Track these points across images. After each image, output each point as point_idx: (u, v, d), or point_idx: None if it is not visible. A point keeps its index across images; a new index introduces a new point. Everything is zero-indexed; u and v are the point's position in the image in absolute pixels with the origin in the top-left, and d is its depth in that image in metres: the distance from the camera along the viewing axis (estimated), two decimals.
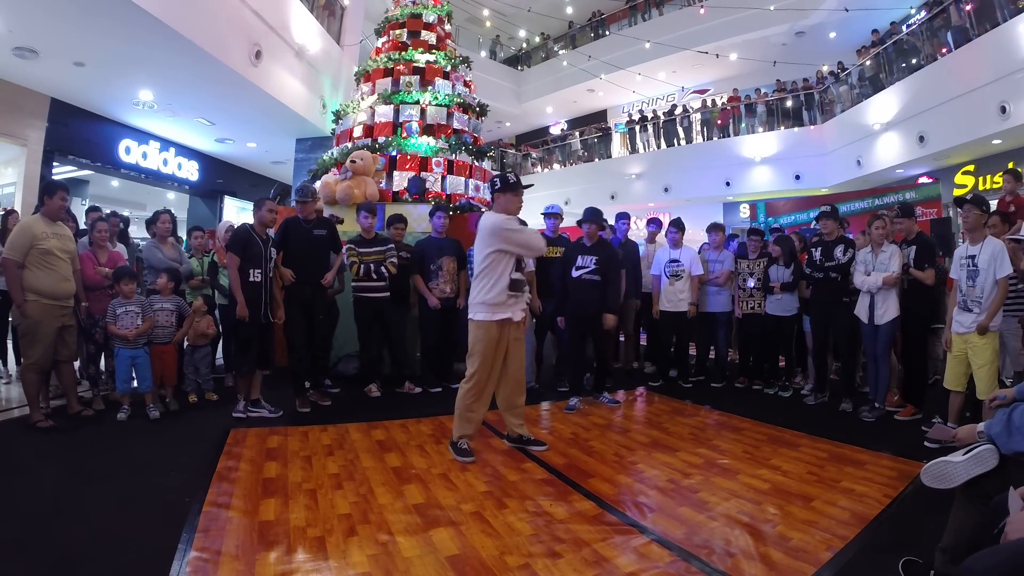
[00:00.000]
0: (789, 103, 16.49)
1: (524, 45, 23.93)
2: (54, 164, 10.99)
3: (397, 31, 9.52)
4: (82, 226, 6.57)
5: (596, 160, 20.82)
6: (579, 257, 5.89)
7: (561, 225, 7.19)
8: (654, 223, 7.96)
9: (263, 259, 5.20)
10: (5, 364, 6.67)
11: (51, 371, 5.07)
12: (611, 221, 7.39)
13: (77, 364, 5.61)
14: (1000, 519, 2.09)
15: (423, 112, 8.63)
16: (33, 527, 2.97)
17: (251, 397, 5.33)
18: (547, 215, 6.98)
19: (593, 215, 6.02)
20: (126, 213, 7.43)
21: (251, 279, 5.14)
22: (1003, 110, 9.79)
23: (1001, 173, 7.09)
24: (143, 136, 12.95)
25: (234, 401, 5.38)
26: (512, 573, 2.65)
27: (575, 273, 5.86)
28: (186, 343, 5.93)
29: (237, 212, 15.46)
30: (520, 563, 2.73)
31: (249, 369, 5.30)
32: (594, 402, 6.06)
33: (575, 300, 5.86)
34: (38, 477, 3.71)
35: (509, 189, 4.37)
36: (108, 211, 6.82)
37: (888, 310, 5.32)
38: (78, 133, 11.27)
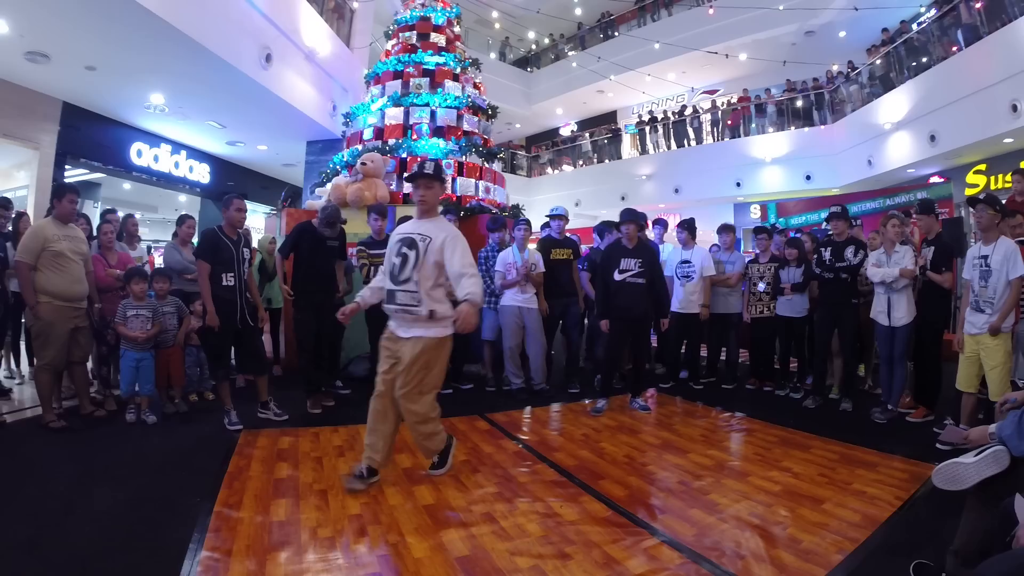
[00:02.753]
0: (799, 103, 16.41)
1: (533, 47, 23.91)
2: (66, 167, 11.07)
3: (407, 33, 9.56)
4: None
5: (606, 161, 20.80)
6: (622, 260, 5.73)
7: (568, 227, 7.15)
8: (659, 224, 7.91)
9: (235, 261, 4.99)
10: (19, 365, 6.73)
11: (64, 372, 5.12)
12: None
13: (89, 365, 5.64)
14: (1009, 525, 2.08)
15: (433, 114, 8.65)
16: (46, 526, 3.00)
17: (260, 399, 5.29)
18: (552, 217, 6.96)
19: (631, 215, 5.85)
20: (138, 215, 7.49)
21: (224, 283, 4.92)
22: (1014, 108, 9.70)
23: (1011, 173, 7.04)
24: (154, 139, 13.02)
25: (244, 402, 5.34)
26: (522, 574, 2.65)
27: (618, 276, 5.72)
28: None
29: (249, 214, 15.44)
30: (530, 564, 2.73)
31: (223, 374, 5.13)
32: (625, 407, 5.97)
33: (620, 304, 5.74)
34: (51, 476, 3.74)
35: (408, 180, 3.94)
36: (123, 213, 6.90)
37: (905, 312, 5.29)
38: (90, 136, 11.35)
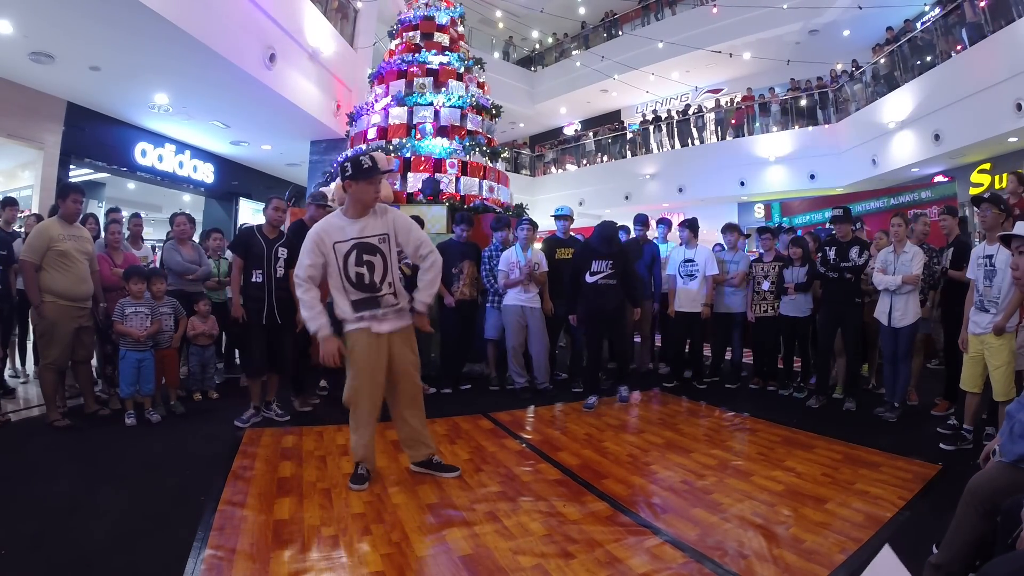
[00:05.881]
0: (803, 102, 16.39)
1: (537, 46, 23.93)
2: (71, 167, 11.11)
3: (410, 33, 9.56)
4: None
5: (609, 160, 20.80)
6: (593, 263, 5.85)
7: (572, 226, 7.16)
8: (664, 223, 7.90)
9: (266, 259, 5.07)
10: (23, 364, 6.76)
11: (68, 371, 5.13)
12: (627, 222, 7.42)
13: (94, 364, 5.65)
14: (1012, 526, 2.06)
15: (437, 113, 8.66)
16: (50, 524, 3.01)
17: (266, 398, 5.29)
18: (557, 217, 6.98)
19: (609, 245, 5.94)
20: (143, 215, 7.50)
21: (253, 280, 5.06)
22: (1019, 107, 9.68)
23: (1007, 174, 7.05)
24: (159, 139, 13.07)
25: (245, 401, 5.29)
26: (525, 573, 2.65)
27: (590, 279, 5.83)
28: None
29: (252, 214, 15.54)
30: (533, 563, 2.73)
31: (255, 371, 5.14)
32: (610, 402, 6.03)
33: (593, 305, 5.85)
34: (55, 475, 3.75)
35: (361, 177, 3.52)
36: (130, 213, 6.92)
37: (908, 313, 5.30)
38: (94, 136, 11.40)
